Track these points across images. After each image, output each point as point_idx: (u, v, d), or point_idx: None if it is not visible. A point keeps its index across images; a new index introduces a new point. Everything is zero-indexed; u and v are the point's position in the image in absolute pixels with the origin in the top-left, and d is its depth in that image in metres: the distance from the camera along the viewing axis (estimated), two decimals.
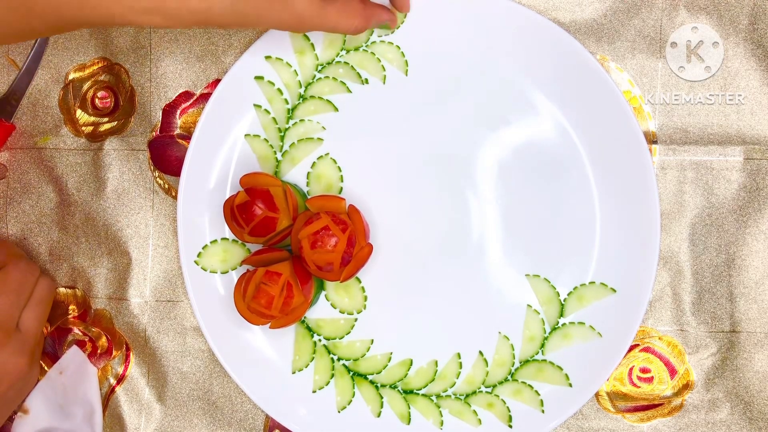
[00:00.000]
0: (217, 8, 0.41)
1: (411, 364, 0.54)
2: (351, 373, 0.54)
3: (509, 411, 0.53)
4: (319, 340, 0.54)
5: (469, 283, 0.53)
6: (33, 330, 0.51)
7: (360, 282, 0.54)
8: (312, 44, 0.53)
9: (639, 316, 0.52)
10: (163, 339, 0.55)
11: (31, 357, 0.51)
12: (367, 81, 0.53)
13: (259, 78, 0.53)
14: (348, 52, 0.53)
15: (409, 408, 0.54)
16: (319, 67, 0.53)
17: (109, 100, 0.56)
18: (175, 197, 0.55)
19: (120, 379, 0.56)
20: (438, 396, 0.54)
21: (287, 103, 0.54)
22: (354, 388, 0.54)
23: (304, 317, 0.54)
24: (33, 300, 0.51)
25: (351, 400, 0.54)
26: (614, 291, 0.53)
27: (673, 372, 0.54)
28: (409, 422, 0.53)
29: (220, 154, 0.53)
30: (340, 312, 0.54)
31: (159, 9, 0.40)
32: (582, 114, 0.52)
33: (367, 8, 0.47)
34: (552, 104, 0.53)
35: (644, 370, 0.54)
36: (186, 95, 0.55)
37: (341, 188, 0.54)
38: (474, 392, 0.53)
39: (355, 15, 0.46)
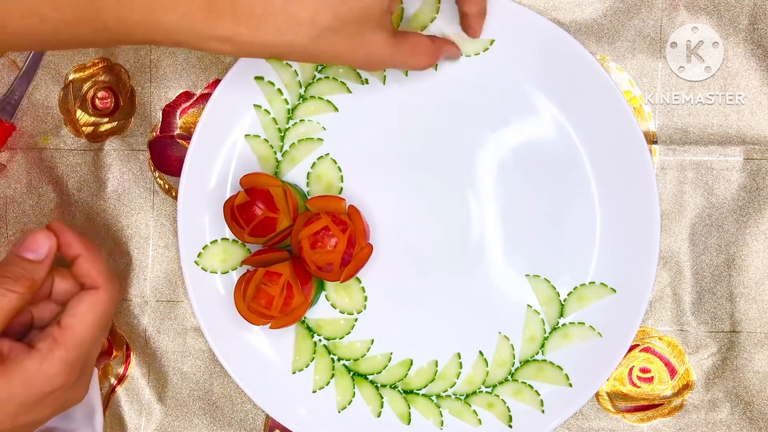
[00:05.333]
0: (294, 45, 0.40)
1: (411, 364, 0.54)
2: (351, 373, 0.54)
3: (509, 411, 0.53)
4: (320, 340, 0.54)
5: (469, 283, 0.53)
6: (95, 358, 0.48)
7: (360, 282, 0.54)
8: None
9: (639, 316, 0.52)
10: (163, 339, 0.55)
11: (88, 387, 0.48)
12: (367, 81, 0.53)
13: (259, 78, 0.53)
14: None
15: (409, 408, 0.54)
16: (319, 67, 0.53)
17: (109, 100, 0.56)
18: (175, 197, 0.55)
19: (120, 379, 0.56)
20: (438, 396, 0.54)
21: (287, 103, 0.54)
22: (354, 388, 0.54)
23: (305, 317, 0.54)
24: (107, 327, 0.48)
25: (351, 400, 0.54)
26: (614, 291, 0.53)
27: (673, 372, 0.54)
28: (409, 422, 0.53)
29: (220, 154, 0.54)
30: (340, 312, 0.54)
31: (231, 39, 0.40)
32: (582, 114, 0.52)
33: (435, 45, 0.48)
34: (552, 104, 0.53)
35: (644, 370, 0.54)
36: (186, 95, 0.55)
37: (341, 188, 0.54)
38: (474, 392, 0.53)
39: (425, 53, 0.47)
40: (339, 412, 0.54)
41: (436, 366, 0.54)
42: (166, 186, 0.55)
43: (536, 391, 0.53)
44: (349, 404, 0.54)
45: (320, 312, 0.54)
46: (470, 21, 0.50)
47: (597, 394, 0.54)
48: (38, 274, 0.44)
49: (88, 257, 0.46)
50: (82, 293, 0.45)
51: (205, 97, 0.55)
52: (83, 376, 0.46)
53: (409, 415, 0.54)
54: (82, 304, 0.44)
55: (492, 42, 0.52)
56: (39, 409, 0.44)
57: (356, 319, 0.54)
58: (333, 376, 0.54)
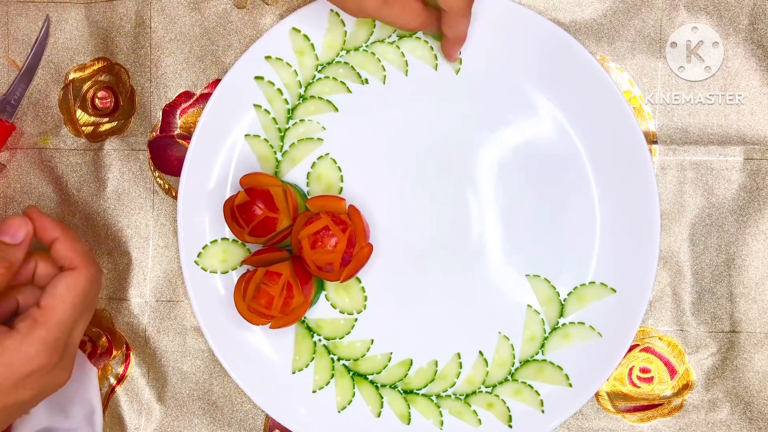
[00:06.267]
0: None
1: (411, 364, 0.54)
2: (351, 373, 0.54)
3: (509, 411, 0.53)
4: (319, 340, 0.54)
5: (469, 283, 0.53)
6: (78, 342, 0.48)
7: (360, 282, 0.54)
8: (312, 44, 0.53)
9: (639, 316, 0.52)
10: (163, 339, 0.55)
11: (71, 370, 0.48)
12: (367, 81, 0.53)
13: (259, 78, 0.53)
14: (348, 52, 0.53)
15: (409, 408, 0.54)
16: (319, 67, 0.53)
17: (109, 100, 0.56)
18: (175, 197, 0.55)
19: (120, 379, 0.56)
20: (438, 396, 0.54)
21: (287, 103, 0.54)
22: (354, 388, 0.54)
23: (304, 317, 0.54)
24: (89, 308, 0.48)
25: (351, 400, 0.54)
26: (614, 291, 0.53)
27: (673, 372, 0.54)
28: (409, 422, 0.53)
29: (220, 154, 0.54)
30: (340, 312, 0.54)
31: None
32: (582, 114, 0.52)
33: (426, 11, 0.48)
34: (552, 104, 0.53)
35: (644, 370, 0.54)
36: (186, 95, 0.55)
37: (341, 188, 0.54)
38: (474, 392, 0.53)
39: (413, 14, 0.47)
40: (339, 412, 0.54)
41: (436, 366, 0.54)
42: (166, 186, 0.55)
43: (536, 391, 0.53)
44: (349, 404, 0.54)
45: (320, 312, 0.54)
46: (447, 44, 0.51)
47: (597, 394, 0.54)
48: (15, 256, 0.45)
49: (65, 240, 0.46)
50: (60, 274, 0.45)
51: (205, 97, 0.55)
52: (65, 359, 0.46)
53: (409, 415, 0.54)
54: (60, 284, 0.45)
55: (458, 70, 0.52)
56: (20, 391, 0.44)
57: (356, 319, 0.54)
58: (333, 376, 0.54)
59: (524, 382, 0.53)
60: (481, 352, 0.54)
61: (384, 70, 0.53)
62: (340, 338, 0.54)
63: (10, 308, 0.47)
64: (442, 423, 0.53)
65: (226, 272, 0.54)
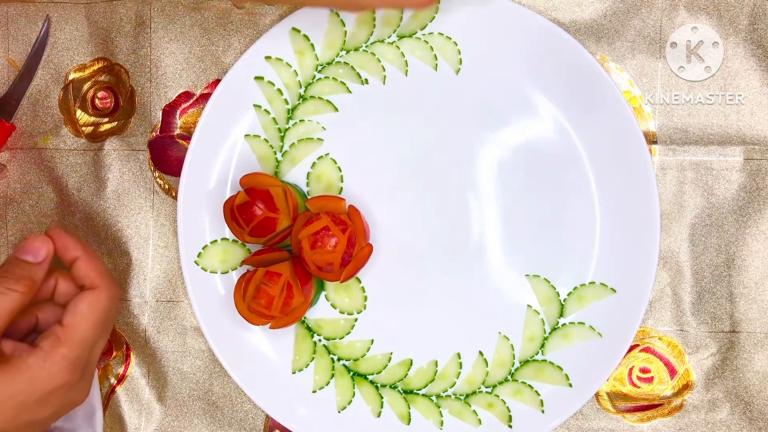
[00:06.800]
0: None
1: (411, 364, 0.54)
2: (351, 373, 0.54)
3: (509, 411, 0.53)
4: (319, 340, 0.54)
5: (469, 283, 0.53)
6: (96, 360, 0.48)
7: (360, 282, 0.54)
8: (312, 44, 0.53)
9: (639, 316, 0.52)
10: (163, 339, 0.55)
11: (89, 389, 0.49)
12: (367, 81, 0.53)
13: (259, 78, 0.53)
14: (348, 52, 0.53)
15: (409, 408, 0.54)
16: (319, 68, 0.53)
17: (109, 100, 0.56)
18: (175, 197, 0.55)
19: (120, 379, 0.56)
20: (438, 396, 0.54)
21: (287, 103, 0.54)
22: (354, 388, 0.54)
23: (304, 317, 0.54)
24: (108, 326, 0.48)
25: (351, 400, 0.54)
26: (614, 291, 0.53)
27: (673, 372, 0.54)
28: (409, 422, 0.53)
29: (220, 154, 0.54)
30: (340, 312, 0.54)
31: None
32: (582, 114, 0.52)
33: None
34: (552, 104, 0.53)
35: (644, 370, 0.54)
36: (186, 95, 0.55)
37: (341, 188, 0.54)
38: (474, 392, 0.53)
39: None
40: (339, 412, 0.54)
41: (436, 366, 0.54)
42: (166, 186, 0.55)
43: (536, 391, 0.53)
44: (349, 404, 0.54)
45: (320, 312, 0.54)
46: None
47: (597, 394, 0.54)
48: (37, 274, 0.46)
49: (86, 259, 0.47)
50: (82, 293, 0.46)
51: (205, 97, 0.55)
52: (85, 378, 0.46)
53: (409, 415, 0.54)
54: (82, 303, 0.45)
55: (458, 70, 0.52)
56: (41, 408, 0.44)
57: (356, 319, 0.54)
58: (333, 376, 0.54)
59: (524, 382, 0.53)
60: (481, 352, 0.54)
61: (384, 70, 0.53)
62: (340, 338, 0.54)
63: (29, 324, 0.47)
64: (442, 423, 0.53)
65: (226, 272, 0.54)
